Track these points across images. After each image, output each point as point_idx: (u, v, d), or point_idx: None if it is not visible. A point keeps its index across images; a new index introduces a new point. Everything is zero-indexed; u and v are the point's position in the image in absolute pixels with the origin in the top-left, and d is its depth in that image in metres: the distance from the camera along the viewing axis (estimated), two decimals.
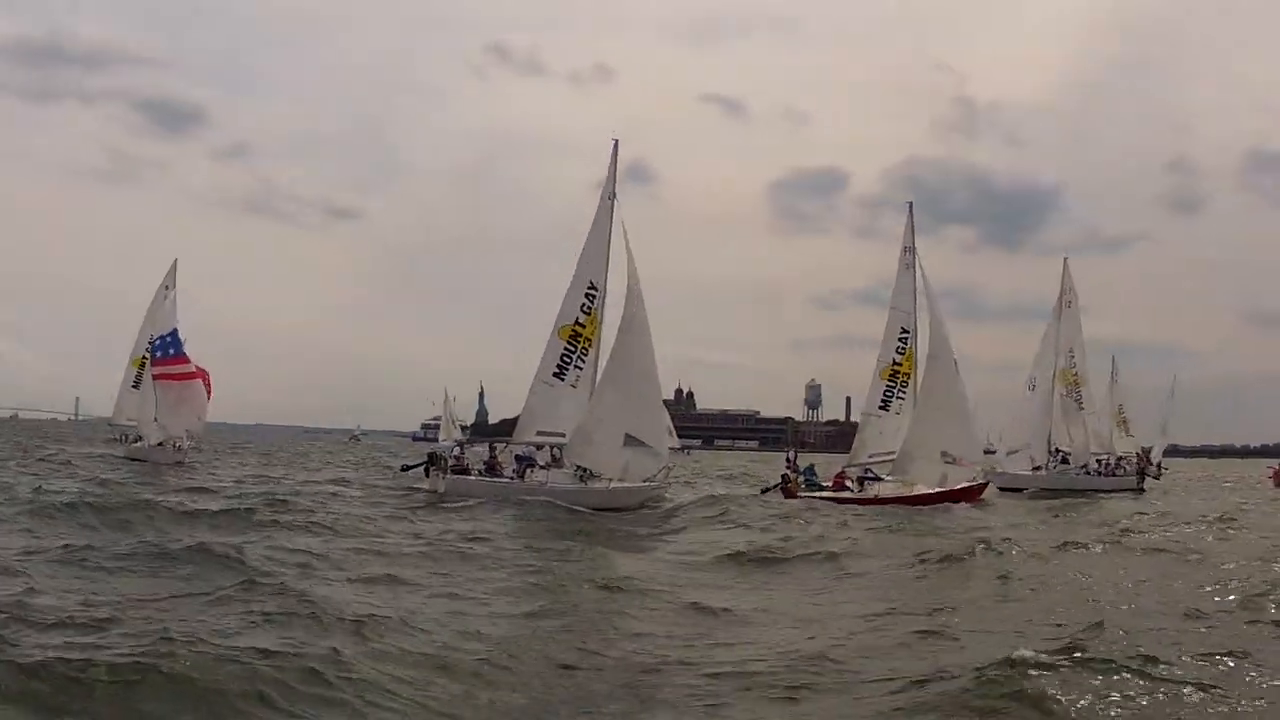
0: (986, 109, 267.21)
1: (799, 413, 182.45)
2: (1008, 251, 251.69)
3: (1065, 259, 38.92)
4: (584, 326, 24.92)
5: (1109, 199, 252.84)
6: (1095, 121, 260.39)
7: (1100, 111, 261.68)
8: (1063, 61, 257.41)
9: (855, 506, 23.35)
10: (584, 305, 24.93)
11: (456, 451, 25.49)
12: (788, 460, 28.11)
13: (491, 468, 24.89)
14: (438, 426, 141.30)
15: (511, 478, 24.13)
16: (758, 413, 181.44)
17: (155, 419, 34.82)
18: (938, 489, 25.37)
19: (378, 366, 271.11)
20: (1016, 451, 36.41)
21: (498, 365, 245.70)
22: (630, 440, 23.67)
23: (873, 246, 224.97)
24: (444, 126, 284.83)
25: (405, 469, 28.06)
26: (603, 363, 24.69)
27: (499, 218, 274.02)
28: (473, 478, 24.00)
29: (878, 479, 26.66)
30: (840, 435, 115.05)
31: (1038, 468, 35.74)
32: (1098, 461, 37.92)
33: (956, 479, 25.80)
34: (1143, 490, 36.15)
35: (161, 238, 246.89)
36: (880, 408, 27.71)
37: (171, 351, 34.99)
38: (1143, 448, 65.54)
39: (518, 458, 25.05)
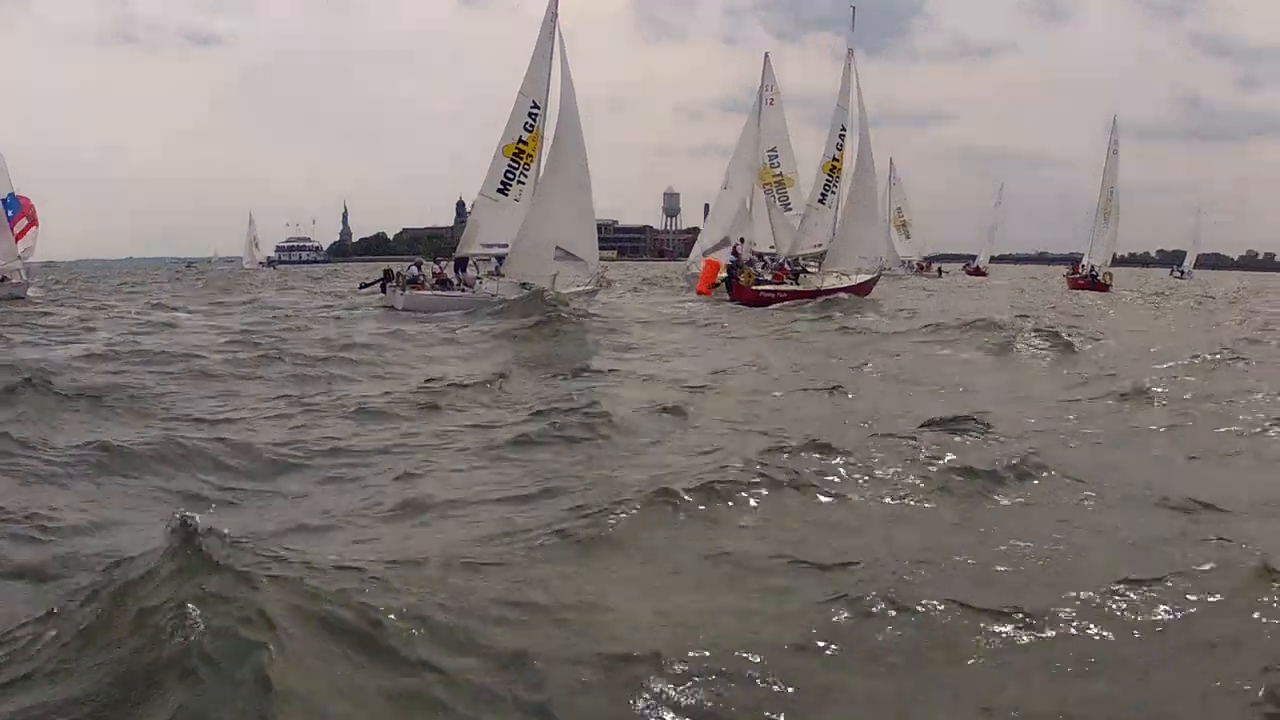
0: None
1: (657, 221, 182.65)
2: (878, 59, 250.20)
3: (766, 54, 37.96)
4: (526, 144, 25.59)
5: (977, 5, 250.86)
6: None
7: None
8: None
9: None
10: (526, 124, 25.56)
11: (412, 269, 25.99)
12: (735, 252, 28.51)
13: (442, 282, 25.70)
14: (292, 248, 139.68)
15: (462, 290, 25.08)
16: (615, 221, 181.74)
17: None
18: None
19: (231, 193, 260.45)
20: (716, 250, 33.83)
21: (360, 182, 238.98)
22: (560, 252, 24.92)
23: (738, 53, 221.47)
24: None
25: (362, 286, 28.72)
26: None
27: (352, 32, 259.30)
28: (429, 292, 24.69)
29: (804, 271, 28.46)
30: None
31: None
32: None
33: None
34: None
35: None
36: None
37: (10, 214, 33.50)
38: (923, 256, 70.89)
39: (457, 267, 26.07)
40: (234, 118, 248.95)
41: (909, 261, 67.46)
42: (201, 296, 33.25)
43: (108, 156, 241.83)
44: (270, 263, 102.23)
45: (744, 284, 26.39)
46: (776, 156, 35.76)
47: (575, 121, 25.21)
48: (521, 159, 25.60)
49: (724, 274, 27.49)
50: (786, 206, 34.79)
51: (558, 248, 24.82)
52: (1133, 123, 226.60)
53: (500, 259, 25.67)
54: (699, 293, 28.29)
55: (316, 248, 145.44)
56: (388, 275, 25.99)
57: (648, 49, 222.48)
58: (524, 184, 25.71)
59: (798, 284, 27.43)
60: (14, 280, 32.89)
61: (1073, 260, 50.39)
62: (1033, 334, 14.85)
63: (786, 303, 24.98)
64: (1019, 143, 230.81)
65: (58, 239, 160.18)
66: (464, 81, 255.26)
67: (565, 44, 25.34)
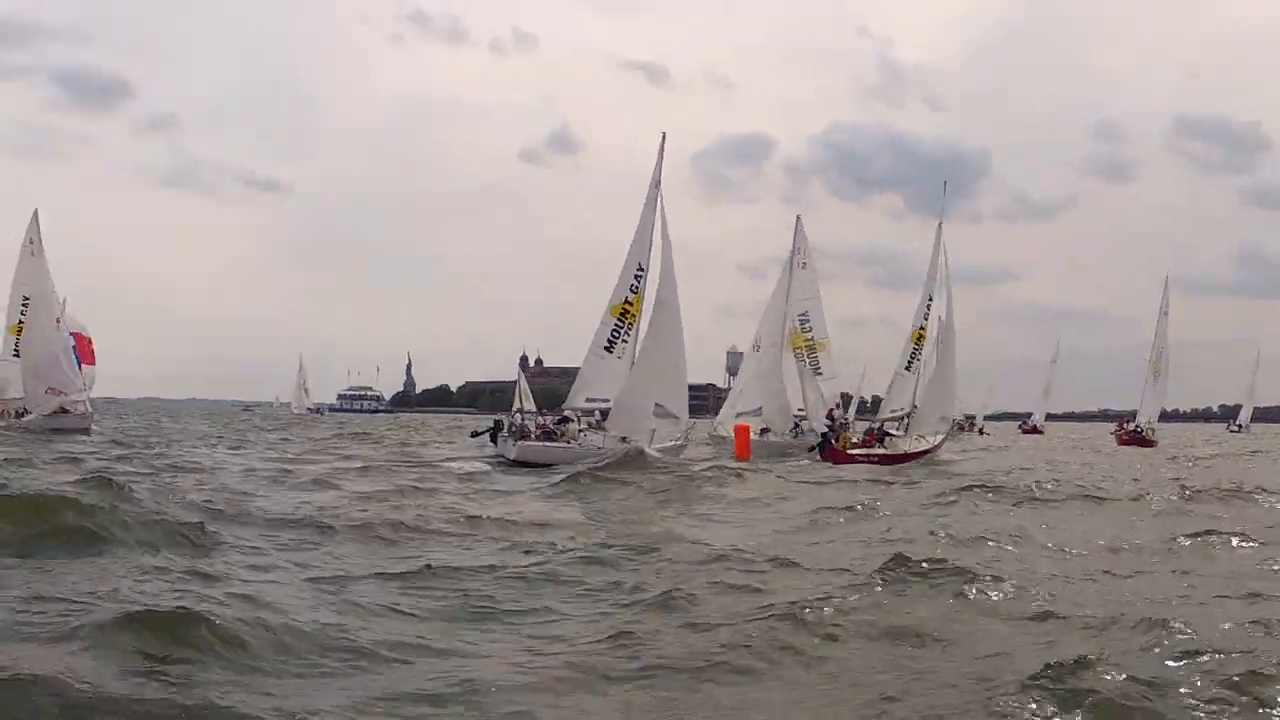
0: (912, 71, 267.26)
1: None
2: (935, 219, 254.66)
3: (798, 216, 37.88)
4: (631, 304, 27.31)
5: (1038, 164, 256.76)
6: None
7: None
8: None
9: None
10: (632, 285, 27.33)
11: (516, 419, 27.31)
12: (830, 416, 29.74)
13: (547, 433, 26.89)
14: (354, 396, 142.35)
15: (568, 442, 26.23)
16: None
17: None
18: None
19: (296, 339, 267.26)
20: (747, 413, 34.23)
21: (422, 333, 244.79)
22: (659, 409, 26.25)
23: (797, 212, 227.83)
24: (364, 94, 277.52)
25: (474, 435, 30.14)
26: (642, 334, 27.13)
27: (421, 186, 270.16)
28: (540, 443, 25.82)
29: (888, 434, 29.46)
30: None
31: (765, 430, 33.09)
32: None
33: None
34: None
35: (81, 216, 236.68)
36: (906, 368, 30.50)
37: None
38: (965, 414, 71.54)
39: (562, 420, 27.37)
40: (296, 263, 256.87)
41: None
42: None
43: (171, 299, 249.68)
44: (319, 409, 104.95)
45: (839, 448, 27.56)
46: (808, 320, 36.11)
47: (674, 285, 26.97)
48: (626, 319, 27.26)
49: (819, 439, 28.61)
50: (817, 371, 35.30)
51: (656, 405, 26.19)
52: (1191, 277, 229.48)
53: (603, 413, 26.94)
54: (737, 458, 26.71)
55: (378, 397, 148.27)
56: (498, 425, 27.34)
57: (711, 209, 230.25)
58: (627, 343, 27.29)
59: (884, 447, 28.46)
60: (78, 411, 34.02)
61: (1120, 418, 51.63)
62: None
63: (878, 466, 25.90)
64: (1081, 300, 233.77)
65: (121, 377, 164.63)
66: (527, 238, 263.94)
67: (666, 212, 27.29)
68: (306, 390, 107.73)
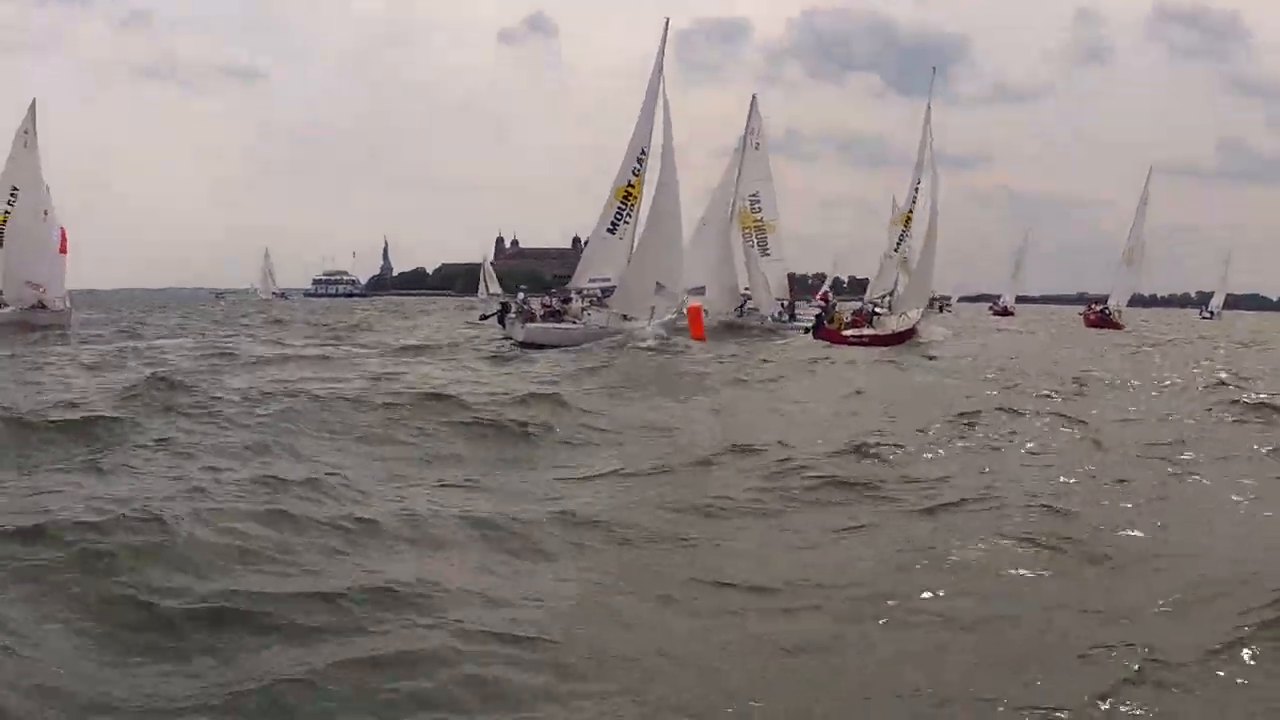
0: None
1: None
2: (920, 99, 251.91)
3: (754, 96, 37.21)
4: (634, 187, 28.14)
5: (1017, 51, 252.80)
6: None
7: None
8: None
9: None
10: (634, 169, 28.12)
11: (521, 300, 28.38)
12: (825, 299, 30.97)
13: (552, 313, 27.97)
14: (328, 281, 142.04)
15: (573, 322, 27.36)
16: None
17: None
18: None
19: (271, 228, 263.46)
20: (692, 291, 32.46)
21: (399, 219, 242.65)
22: (658, 286, 27.36)
23: (777, 94, 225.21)
24: None
25: (482, 318, 31.15)
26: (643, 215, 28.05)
27: (399, 73, 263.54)
28: (548, 325, 26.84)
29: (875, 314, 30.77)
30: None
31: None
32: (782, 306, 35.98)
33: None
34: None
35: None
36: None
37: None
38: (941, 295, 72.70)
39: (565, 299, 28.54)
40: (275, 156, 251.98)
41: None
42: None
43: (148, 188, 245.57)
44: (283, 294, 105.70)
45: (833, 328, 28.98)
46: (759, 201, 35.95)
47: (673, 167, 27.75)
48: (629, 201, 28.12)
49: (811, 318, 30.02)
50: (765, 252, 35.55)
51: (657, 283, 27.28)
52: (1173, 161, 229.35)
53: (605, 291, 28.07)
54: (694, 338, 26.83)
55: (353, 280, 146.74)
56: (505, 308, 28.33)
57: (687, 93, 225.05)
58: (629, 224, 28.20)
59: (872, 327, 29.79)
60: (55, 308, 33.13)
61: (1090, 301, 53.15)
62: None
63: (870, 346, 27.29)
64: (1061, 187, 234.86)
65: (98, 266, 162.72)
66: (504, 122, 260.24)
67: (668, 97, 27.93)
68: (272, 277, 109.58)
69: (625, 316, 26.96)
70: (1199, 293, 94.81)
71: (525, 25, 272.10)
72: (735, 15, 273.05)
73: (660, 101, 28.05)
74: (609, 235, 28.29)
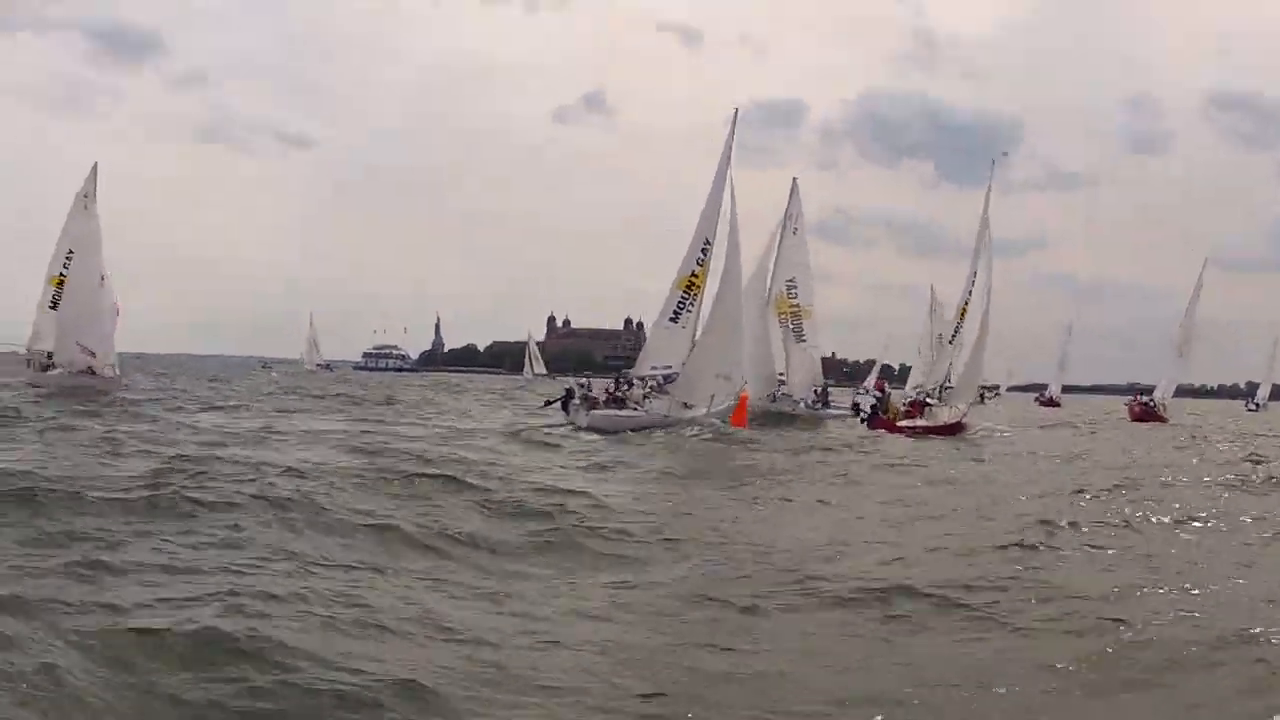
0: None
1: None
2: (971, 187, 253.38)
3: (794, 180, 37.30)
4: (697, 277, 29.08)
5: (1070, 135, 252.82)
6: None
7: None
8: None
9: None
10: (699, 259, 29.07)
11: (584, 386, 29.16)
12: (881, 389, 31.53)
13: (615, 400, 28.63)
14: (378, 355, 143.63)
15: (634, 409, 28.04)
16: None
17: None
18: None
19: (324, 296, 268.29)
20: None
21: (451, 295, 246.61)
22: (719, 376, 27.93)
23: (830, 178, 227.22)
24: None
25: (546, 404, 31.86)
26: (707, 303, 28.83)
27: (452, 145, 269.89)
28: (611, 412, 27.19)
29: (926, 404, 31.25)
30: None
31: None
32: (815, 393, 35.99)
33: None
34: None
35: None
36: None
37: None
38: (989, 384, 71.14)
39: (629, 386, 29.18)
40: (328, 220, 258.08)
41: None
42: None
43: (203, 253, 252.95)
44: (328, 365, 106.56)
45: (888, 418, 29.54)
46: (795, 287, 36.13)
47: (738, 258, 28.78)
48: (692, 290, 29.05)
49: (867, 410, 30.61)
50: (800, 338, 35.78)
51: (718, 374, 28.04)
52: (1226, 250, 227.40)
53: (666, 379, 28.87)
54: (734, 425, 26.63)
55: (403, 355, 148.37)
56: (569, 394, 28.85)
57: (741, 173, 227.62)
58: (691, 313, 29.12)
59: (925, 418, 30.16)
60: (105, 375, 32.85)
61: (1138, 390, 52.39)
62: None
63: (926, 436, 27.77)
64: (1114, 271, 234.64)
65: (148, 330, 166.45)
66: (558, 199, 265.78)
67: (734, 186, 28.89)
68: (317, 347, 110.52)
69: (686, 404, 27.80)
70: (1248, 383, 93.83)
71: (580, 106, 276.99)
72: (791, 96, 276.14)
73: (727, 192, 29.08)
74: (671, 324, 29.19)
